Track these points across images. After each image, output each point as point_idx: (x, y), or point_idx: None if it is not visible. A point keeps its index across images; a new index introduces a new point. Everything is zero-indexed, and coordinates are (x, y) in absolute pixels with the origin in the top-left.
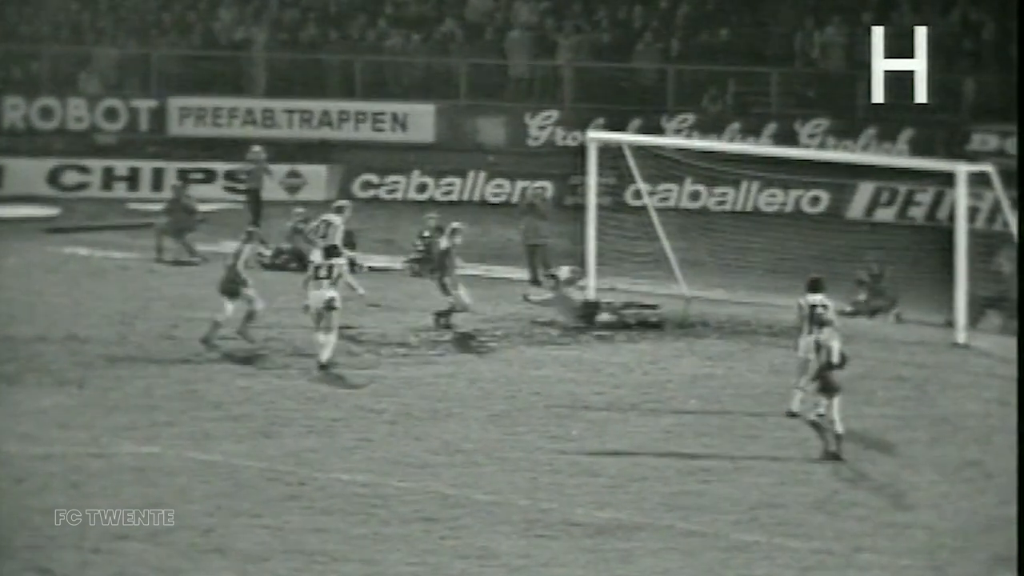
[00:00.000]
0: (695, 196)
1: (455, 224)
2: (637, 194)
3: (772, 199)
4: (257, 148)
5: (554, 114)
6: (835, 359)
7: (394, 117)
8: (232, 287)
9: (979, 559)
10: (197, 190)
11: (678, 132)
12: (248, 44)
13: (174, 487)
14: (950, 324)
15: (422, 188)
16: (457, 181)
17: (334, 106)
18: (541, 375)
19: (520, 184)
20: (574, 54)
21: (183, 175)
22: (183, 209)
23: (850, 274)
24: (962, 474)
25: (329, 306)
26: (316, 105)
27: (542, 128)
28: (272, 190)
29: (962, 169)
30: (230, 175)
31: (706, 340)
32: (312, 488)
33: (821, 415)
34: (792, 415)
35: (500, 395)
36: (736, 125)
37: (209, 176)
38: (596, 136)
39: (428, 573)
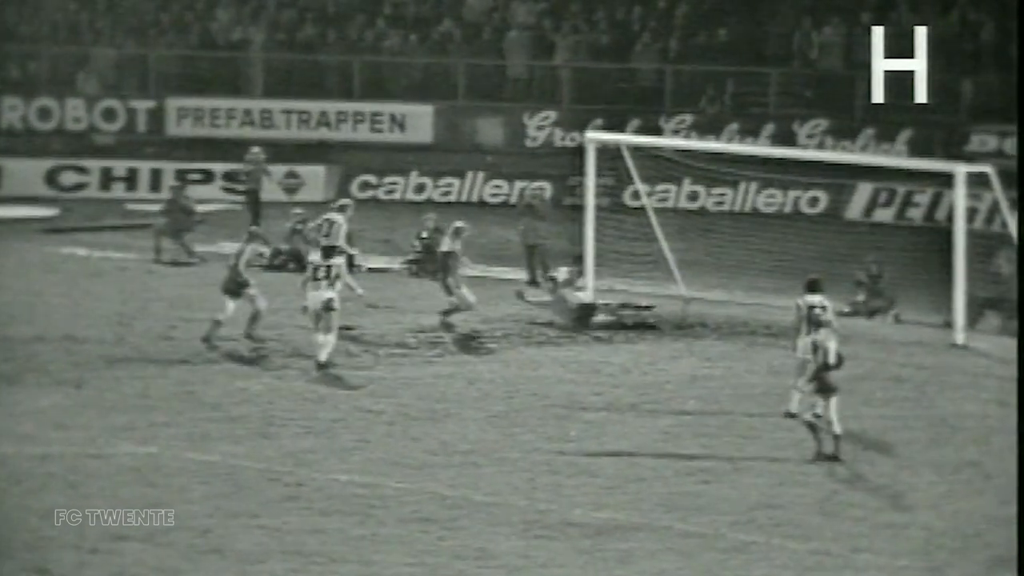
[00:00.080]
0: (693, 197)
1: (459, 223)
2: (635, 195)
3: (771, 200)
4: (256, 149)
5: (552, 114)
6: (832, 360)
7: (392, 118)
8: (234, 287)
9: (977, 560)
10: (195, 191)
11: (676, 133)
12: (246, 44)
13: (172, 488)
14: (948, 325)
15: (420, 189)
16: (455, 182)
17: (332, 107)
18: (539, 376)
19: (518, 185)
20: (572, 54)
21: (181, 175)
22: (181, 210)
23: (849, 275)
24: (960, 475)
25: (327, 307)
26: (314, 106)
27: (540, 128)
28: (270, 191)
29: (961, 170)
30: (228, 176)
31: (704, 341)
32: (310, 489)
33: (818, 416)
34: (790, 416)
35: (498, 396)
36: (734, 126)
37: (207, 177)
38: (594, 136)
39: (426, 574)
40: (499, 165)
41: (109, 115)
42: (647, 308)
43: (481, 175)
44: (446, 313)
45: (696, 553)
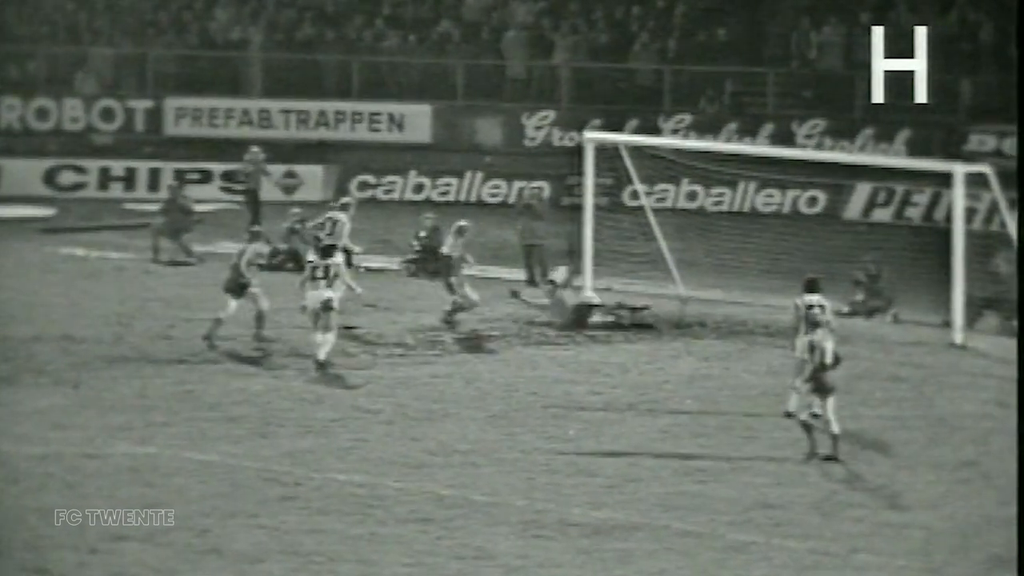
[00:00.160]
0: (692, 196)
1: (463, 223)
2: (634, 194)
3: (769, 199)
4: (255, 149)
5: (551, 114)
6: (828, 360)
7: (391, 117)
8: (236, 286)
9: (976, 560)
10: (193, 190)
11: (675, 132)
12: (244, 44)
13: (170, 488)
14: (947, 325)
15: (419, 188)
16: (454, 181)
17: (331, 106)
18: (538, 375)
19: (517, 184)
20: (571, 54)
21: (179, 175)
22: (179, 209)
23: (847, 274)
24: (959, 475)
25: (326, 307)
26: (313, 105)
27: (539, 128)
28: (268, 190)
29: (959, 170)
30: (227, 175)
31: (703, 340)
32: (308, 488)
33: (817, 416)
34: (789, 415)
35: (497, 395)
36: (733, 125)
37: (205, 176)
38: (593, 136)
39: (424, 574)
40: (497, 165)
41: (107, 115)
42: (642, 309)
43: (479, 175)
44: (450, 313)
45: (694, 553)
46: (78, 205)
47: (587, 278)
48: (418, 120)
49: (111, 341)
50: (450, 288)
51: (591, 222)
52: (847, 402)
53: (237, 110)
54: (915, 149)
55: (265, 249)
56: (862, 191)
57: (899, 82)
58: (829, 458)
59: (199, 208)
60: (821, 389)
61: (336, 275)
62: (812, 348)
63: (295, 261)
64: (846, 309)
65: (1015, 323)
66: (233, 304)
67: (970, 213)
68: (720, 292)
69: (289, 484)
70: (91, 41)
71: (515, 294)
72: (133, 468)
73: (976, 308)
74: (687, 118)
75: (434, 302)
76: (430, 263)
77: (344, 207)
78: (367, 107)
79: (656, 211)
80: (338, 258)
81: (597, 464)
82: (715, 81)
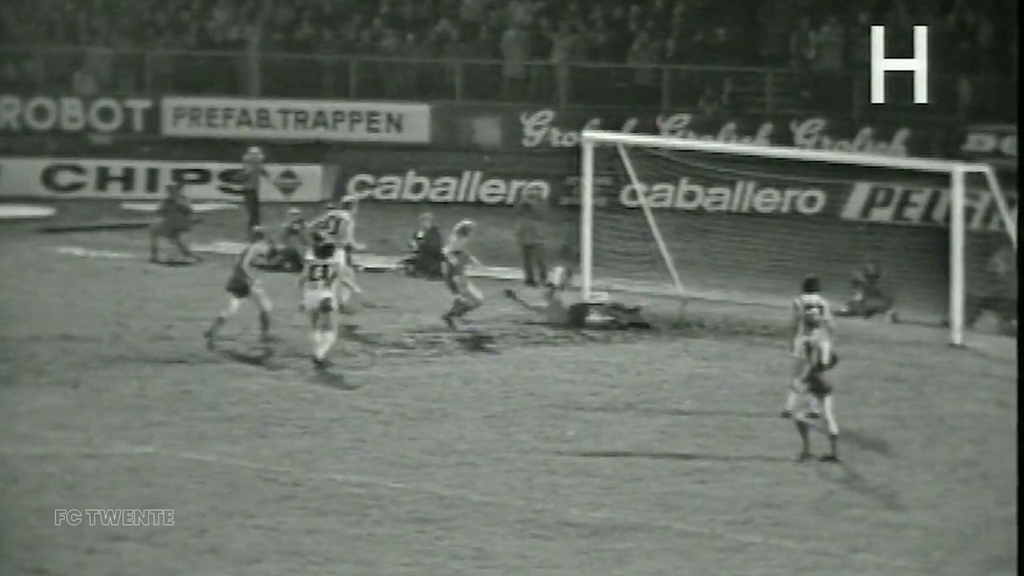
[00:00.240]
0: (691, 196)
1: (466, 222)
2: (633, 194)
3: (768, 199)
4: (255, 150)
5: (550, 114)
6: (825, 360)
7: (389, 117)
8: (239, 286)
9: (975, 560)
10: (192, 190)
11: (674, 132)
12: (243, 44)
13: (169, 488)
14: (946, 324)
15: (417, 188)
16: (452, 181)
17: (329, 106)
18: (536, 375)
19: (516, 184)
20: (569, 54)
21: (178, 175)
22: (178, 209)
23: (846, 274)
24: (958, 474)
25: (324, 307)
26: (311, 105)
27: (538, 128)
28: (267, 190)
29: (958, 169)
30: (225, 175)
31: (702, 340)
32: (307, 489)
33: (815, 415)
34: (787, 415)
35: (495, 395)
36: (732, 125)
37: (204, 176)
38: (592, 136)
39: (423, 574)
40: (496, 165)
41: (105, 115)
42: (635, 310)
43: (478, 175)
44: (453, 312)
45: (693, 553)
46: (76, 205)
47: (586, 278)
48: (416, 120)
49: (109, 341)
50: (453, 287)
51: (590, 222)
52: (846, 402)
53: (235, 110)
54: (914, 149)
55: (264, 249)
56: (861, 191)
57: (898, 82)
58: (828, 458)
59: (197, 208)
60: (818, 389)
61: (335, 275)
62: (809, 348)
63: (293, 261)
64: (845, 309)
65: (1014, 323)
66: (235, 303)
67: (969, 213)
68: (719, 292)
69: (287, 484)
70: (89, 41)
71: (510, 294)
72: (131, 468)
73: (975, 308)
74: (686, 118)
75: (432, 302)
76: (428, 263)
77: (347, 206)
78: (365, 107)
79: (655, 211)
80: (336, 258)
81: (595, 464)
82: (714, 81)
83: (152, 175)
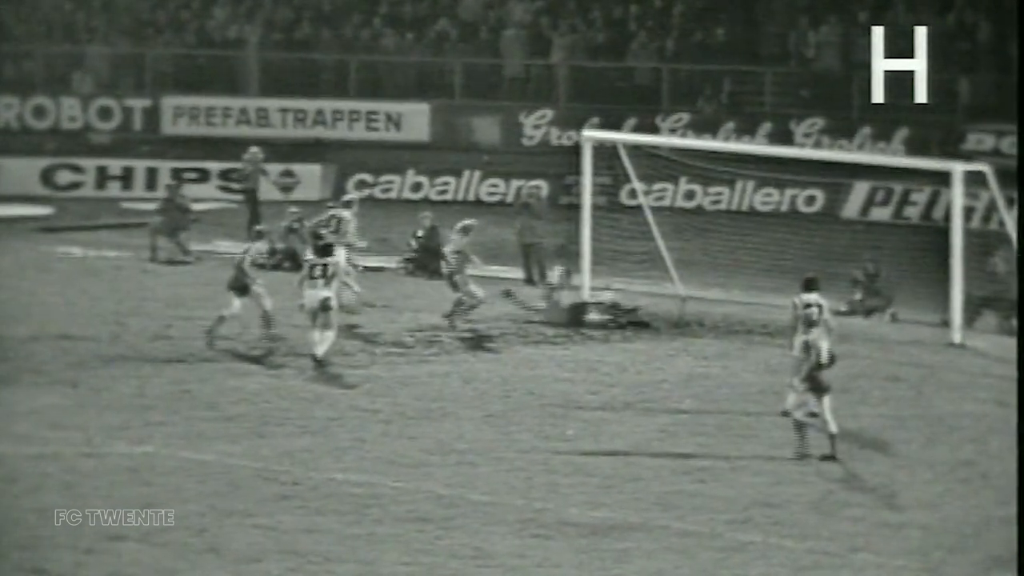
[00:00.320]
0: (690, 195)
1: (468, 221)
2: (632, 193)
3: (767, 198)
4: (255, 149)
5: (549, 113)
6: (824, 359)
7: (388, 116)
8: (240, 285)
9: (974, 559)
10: (191, 189)
11: (673, 131)
12: (242, 43)
13: (168, 487)
14: (946, 324)
15: (417, 187)
16: (452, 180)
17: (328, 105)
18: (536, 375)
19: (515, 183)
20: (569, 53)
21: (177, 174)
22: (177, 208)
23: (846, 273)
24: (957, 474)
25: (324, 306)
26: (310, 104)
27: (537, 127)
28: (266, 190)
29: (958, 168)
30: (224, 174)
31: (701, 339)
32: (306, 488)
33: (814, 415)
34: (787, 414)
35: (495, 395)
36: (731, 124)
37: (203, 175)
38: (591, 135)
39: (422, 573)
40: (495, 164)
41: (105, 114)
42: (633, 309)
43: (477, 174)
44: (455, 311)
45: (693, 552)
46: (75, 204)
47: (585, 277)
48: (416, 119)
49: (108, 340)
50: (454, 286)
51: (589, 221)
52: (845, 401)
53: (235, 109)
54: (913, 148)
55: (264, 248)
56: (860, 190)
57: (899, 82)
58: (827, 457)
59: (196, 207)
60: (817, 388)
61: (334, 274)
62: (808, 347)
63: (292, 260)
64: (844, 308)
65: (1014, 322)
66: (237, 302)
67: (968, 212)
68: (718, 291)
69: (287, 483)
70: (88, 40)
71: (508, 293)
72: (131, 468)
73: (974, 307)
74: (685, 117)
75: (432, 301)
76: (428, 262)
77: (348, 204)
78: (364, 106)
79: (654, 210)
80: (336, 257)
81: (595, 463)
82: (713, 80)
83: (151, 174)
